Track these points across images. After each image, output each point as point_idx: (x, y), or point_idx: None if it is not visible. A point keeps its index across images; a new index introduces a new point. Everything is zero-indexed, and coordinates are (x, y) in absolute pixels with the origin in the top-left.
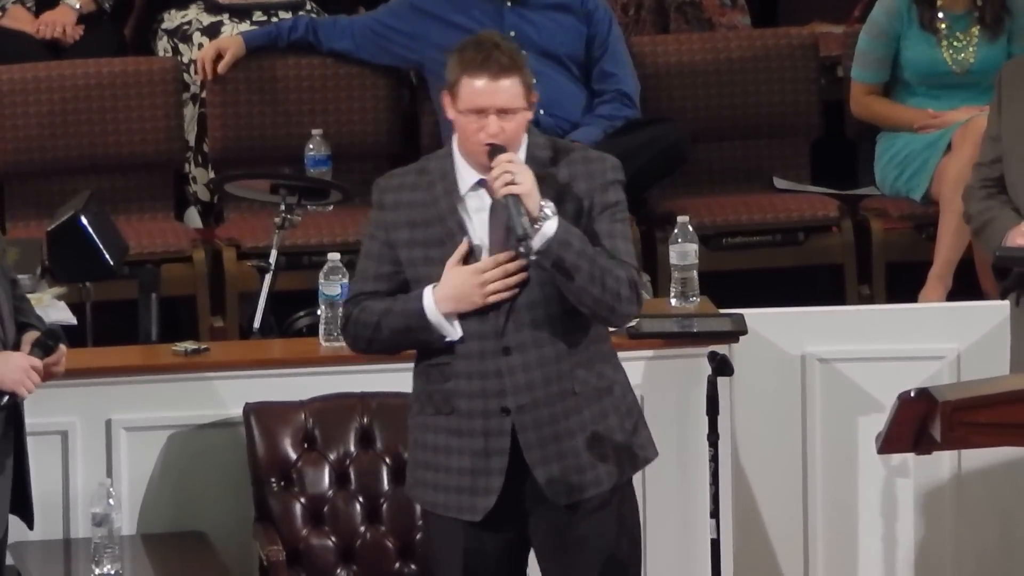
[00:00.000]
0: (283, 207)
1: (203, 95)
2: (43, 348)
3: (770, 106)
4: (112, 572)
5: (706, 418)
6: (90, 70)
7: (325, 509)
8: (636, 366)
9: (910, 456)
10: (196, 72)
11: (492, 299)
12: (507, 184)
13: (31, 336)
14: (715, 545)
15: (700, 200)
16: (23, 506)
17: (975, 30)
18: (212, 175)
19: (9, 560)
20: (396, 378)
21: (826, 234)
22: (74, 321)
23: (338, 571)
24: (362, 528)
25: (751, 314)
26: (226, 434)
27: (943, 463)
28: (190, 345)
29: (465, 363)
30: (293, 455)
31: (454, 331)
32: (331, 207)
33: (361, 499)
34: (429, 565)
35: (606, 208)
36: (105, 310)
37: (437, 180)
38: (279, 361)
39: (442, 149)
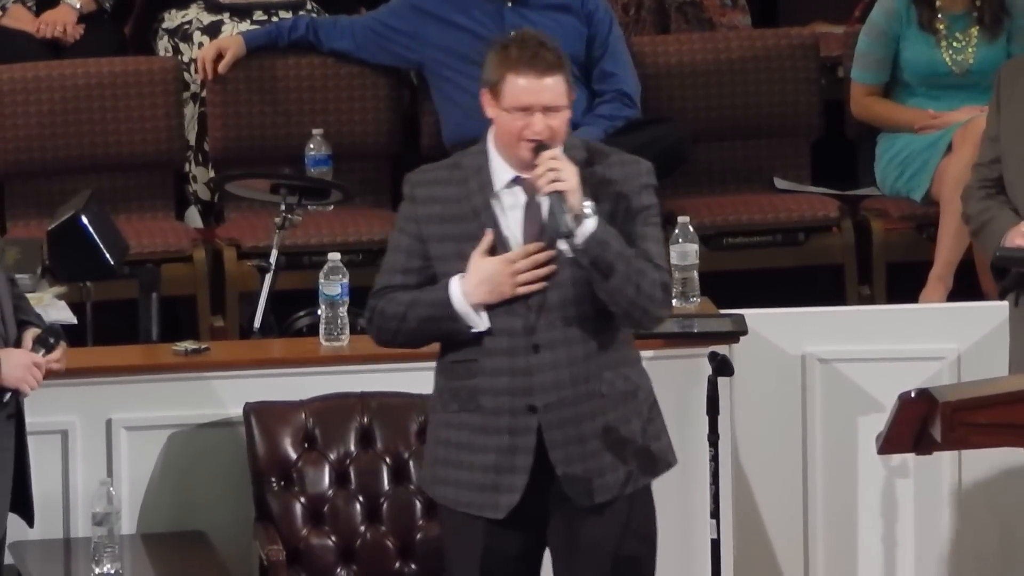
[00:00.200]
0: (283, 207)
1: (203, 95)
2: (44, 345)
3: (770, 106)
4: (112, 572)
5: (706, 418)
6: (90, 69)
7: (325, 509)
8: None
9: (910, 456)
10: (196, 72)
11: (521, 290)
12: (552, 181)
13: (32, 333)
14: (715, 545)
15: (700, 200)
16: (23, 504)
17: (974, 30)
18: (212, 175)
19: (9, 559)
20: (396, 378)
21: (826, 234)
22: (74, 320)
23: (338, 571)
24: (362, 528)
25: (751, 314)
26: (226, 434)
27: (943, 463)
28: (190, 345)
29: (493, 360)
30: (293, 455)
31: (481, 322)
32: (331, 207)
33: (361, 499)
34: (444, 563)
35: (640, 211)
36: (105, 310)
37: (471, 176)
38: (279, 361)
39: (475, 146)
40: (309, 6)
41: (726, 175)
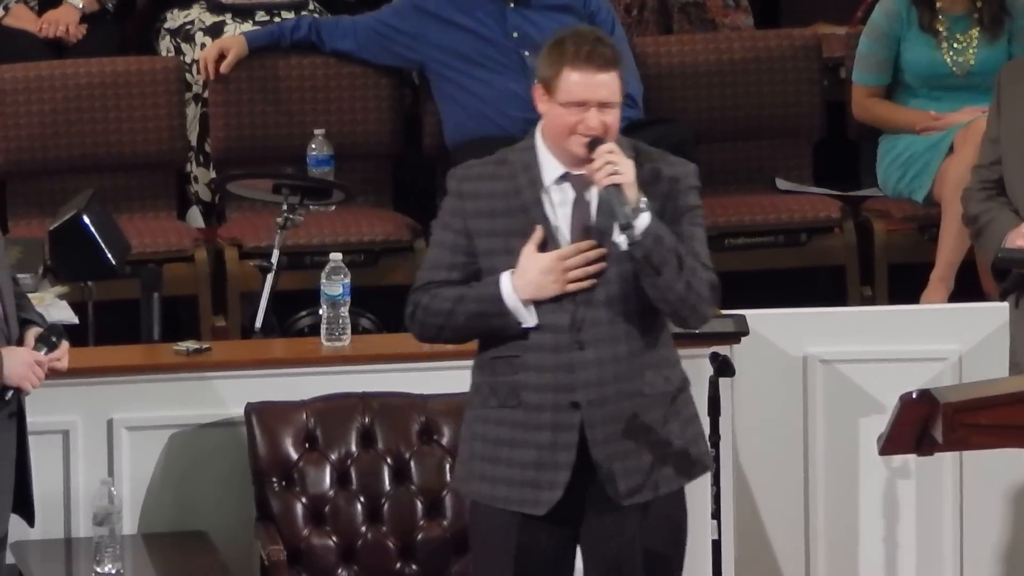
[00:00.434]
0: (285, 207)
1: (205, 95)
2: (47, 344)
3: (773, 107)
4: (113, 571)
5: (707, 419)
6: (92, 69)
7: (326, 509)
8: None
9: (911, 457)
10: (199, 72)
11: (571, 287)
12: (611, 174)
13: (35, 332)
14: (716, 546)
15: (702, 200)
16: (24, 504)
17: (975, 31)
18: (214, 175)
19: (10, 559)
20: (398, 378)
21: (828, 235)
22: (76, 320)
23: (339, 571)
24: (363, 528)
25: (753, 315)
26: (227, 434)
27: (944, 464)
28: (192, 345)
29: (536, 356)
30: (294, 455)
31: (531, 318)
32: (333, 207)
33: (362, 499)
34: (475, 561)
35: (687, 211)
36: (107, 309)
37: (519, 171)
38: (281, 361)
39: (521, 142)
40: (311, 6)
41: (728, 176)
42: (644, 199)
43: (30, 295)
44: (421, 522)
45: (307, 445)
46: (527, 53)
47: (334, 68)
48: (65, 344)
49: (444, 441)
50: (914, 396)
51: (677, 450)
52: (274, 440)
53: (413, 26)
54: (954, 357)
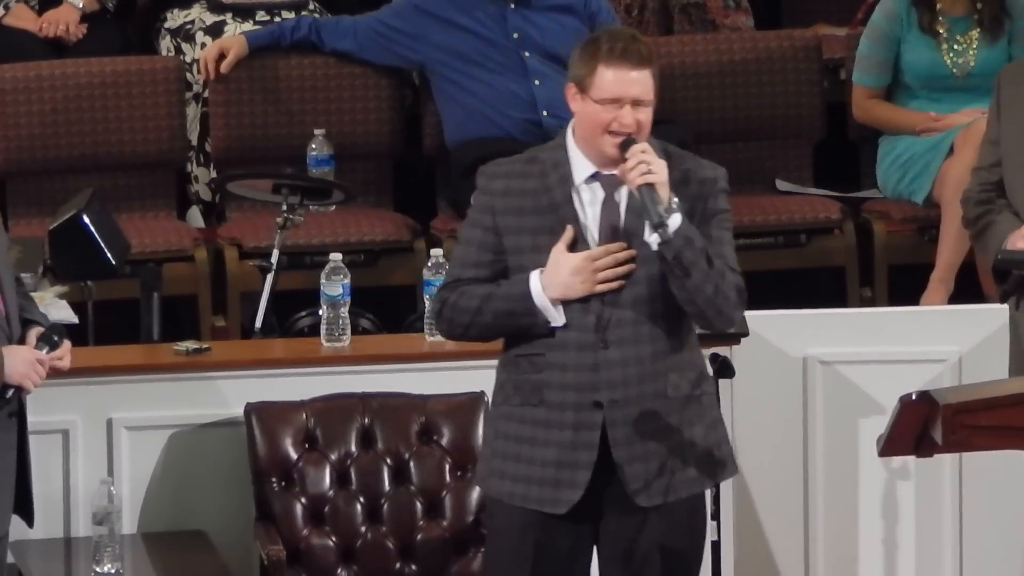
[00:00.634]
0: (285, 207)
1: (206, 94)
2: (48, 343)
3: (773, 108)
4: (112, 571)
5: None
6: (93, 69)
7: (326, 509)
8: None
9: (911, 459)
10: (199, 71)
11: (600, 288)
12: (643, 174)
13: (37, 331)
14: (715, 547)
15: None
16: (24, 504)
17: (975, 33)
18: (214, 174)
19: (10, 558)
20: (397, 379)
21: (828, 236)
22: (76, 320)
23: (339, 571)
24: (363, 528)
25: (753, 316)
26: (227, 433)
27: (944, 466)
28: (191, 344)
29: (561, 354)
30: (294, 455)
31: (559, 317)
32: (333, 207)
33: (362, 499)
34: (490, 558)
35: (716, 214)
36: (107, 309)
37: (550, 170)
38: (280, 361)
39: (552, 141)
40: (312, 6)
41: (728, 176)
42: (676, 199)
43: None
44: (420, 522)
45: (307, 445)
46: (527, 54)
47: (334, 68)
48: (67, 344)
49: (444, 441)
50: (914, 397)
51: (700, 453)
52: (274, 440)
53: (413, 26)
54: (954, 358)
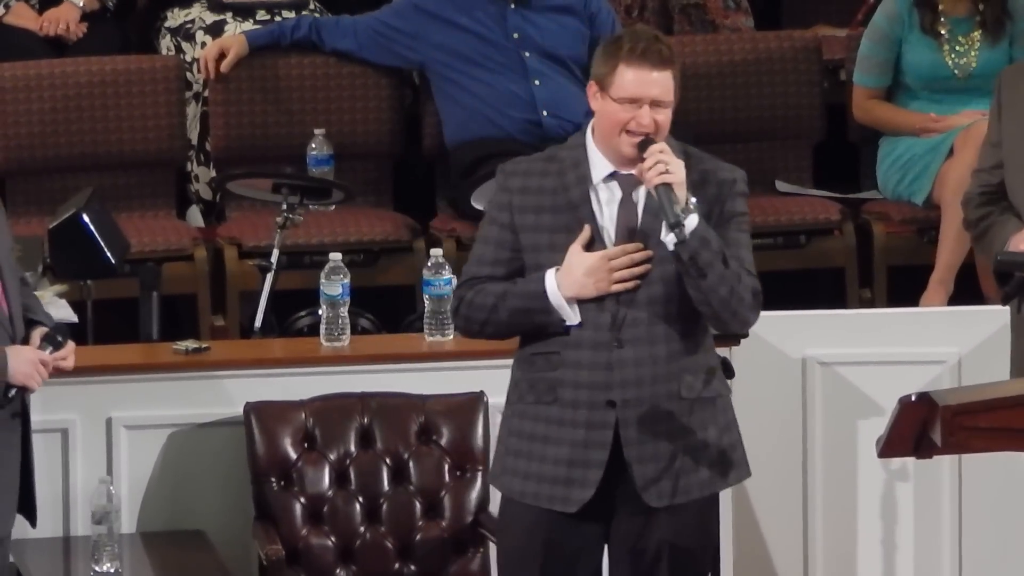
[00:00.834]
0: (285, 206)
1: (206, 94)
2: (52, 343)
3: (773, 109)
4: (111, 570)
5: None
6: (93, 68)
7: (325, 509)
8: None
9: (910, 460)
10: (199, 71)
11: (615, 288)
12: (661, 173)
13: (40, 331)
14: (715, 549)
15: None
16: (27, 503)
17: (976, 34)
18: (214, 174)
19: (9, 557)
20: (397, 378)
21: (828, 237)
22: (75, 319)
23: (337, 571)
24: (361, 528)
25: None
26: (226, 433)
27: (943, 467)
28: (191, 344)
29: (575, 352)
30: (293, 454)
31: (574, 316)
32: (333, 207)
33: (361, 499)
34: (502, 556)
35: (733, 217)
36: (106, 308)
37: (568, 168)
38: (280, 360)
39: (571, 140)
40: (312, 6)
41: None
42: (693, 200)
43: None
44: (419, 522)
45: (306, 445)
46: (527, 54)
47: (334, 68)
48: (71, 344)
49: (443, 441)
50: (913, 398)
51: (713, 455)
52: (273, 440)
53: (413, 26)
54: (953, 360)
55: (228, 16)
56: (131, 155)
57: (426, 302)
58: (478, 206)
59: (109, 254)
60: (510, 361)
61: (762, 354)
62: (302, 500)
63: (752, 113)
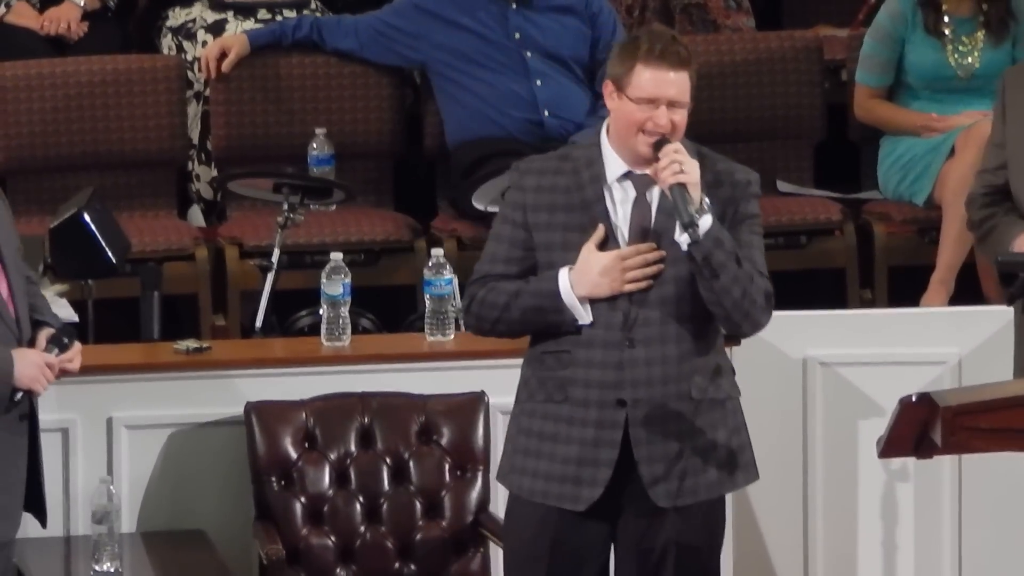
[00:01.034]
0: (286, 206)
1: (207, 93)
2: (58, 344)
3: (773, 109)
4: (112, 570)
5: None
6: (94, 67)
7: (325, 508)
8: None
9: (911, 460)
10: (200, 70)
11: (628, 287)
12: (676, 173)
13: (46, 333)
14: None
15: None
16: (36, 503)
17: (980, 34)
18: (215, 173)
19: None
20: (397, 378)
21: (828, 237)
22: (76, 318)
23: (337, 570)
24: (362, 528)
25: None
26: (227, 433)
27: (944, 467)
28: (192, 343)
29: (586, 352)
30: (293, 454)
31: (586, 315)
32: (334, 206)
33: (361, 499)
34: (508, 554)
35: (747, 218)
36: (107, 308)
37: (583, 168)
38: (280, 360)
39: (587, 138)
40: (313, 5)
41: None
42: (707, 201)
43: None
44: (420, 522)
45: (306, 445)
46: (529, 54)
47: (335, 67)
48: (77, 345)
49: (443, 441)
50: (913, 399)
51: (722, 457)
52: (273, 439)
53: (414, 26)
54: (954, 360)
55: (229, 15)
56: (132, 154)
57: (427, 302)
58: (479, 206)
59: (110, 254)
60: (511, 361)
61: (763, 354)
62: (302, 500)
63: (753, 113)
